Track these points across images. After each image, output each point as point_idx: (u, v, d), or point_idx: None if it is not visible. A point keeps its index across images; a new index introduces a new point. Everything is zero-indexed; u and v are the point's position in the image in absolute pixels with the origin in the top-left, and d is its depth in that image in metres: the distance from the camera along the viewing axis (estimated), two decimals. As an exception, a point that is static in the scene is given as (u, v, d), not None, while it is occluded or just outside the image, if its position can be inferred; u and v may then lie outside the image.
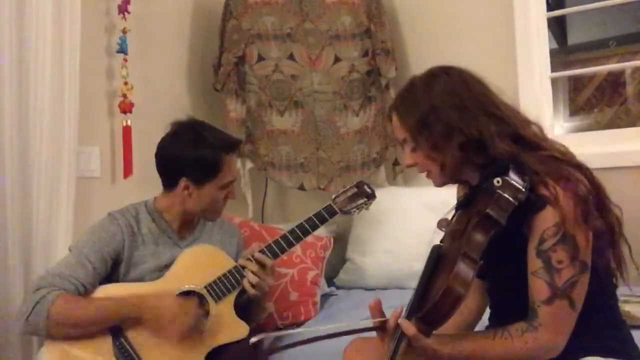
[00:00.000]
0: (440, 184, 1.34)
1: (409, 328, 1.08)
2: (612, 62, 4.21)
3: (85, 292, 1.63)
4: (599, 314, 1.21)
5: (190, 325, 1.61)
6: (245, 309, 1.81)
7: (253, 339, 1.19)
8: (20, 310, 1.59)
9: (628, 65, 3.97)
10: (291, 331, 1.20)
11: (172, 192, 1.79)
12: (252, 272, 1.69)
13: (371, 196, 1.82)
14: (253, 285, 1.69)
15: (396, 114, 1.33)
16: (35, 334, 1.63)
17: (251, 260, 1.70)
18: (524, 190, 1.12)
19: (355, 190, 1.81)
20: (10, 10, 1.85)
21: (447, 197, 2.37)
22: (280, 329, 2.02)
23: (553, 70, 2.53)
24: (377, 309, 1.23)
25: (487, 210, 1.10)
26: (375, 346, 1.39)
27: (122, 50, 2.27)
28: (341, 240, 2.59)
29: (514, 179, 1.12)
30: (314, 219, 1.76)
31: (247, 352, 1.68)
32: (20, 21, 1.88)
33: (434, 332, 1.11)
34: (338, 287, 2.46)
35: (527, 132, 1.26)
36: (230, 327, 1.68)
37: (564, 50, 4.40)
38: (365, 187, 1.82)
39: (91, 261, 1.65)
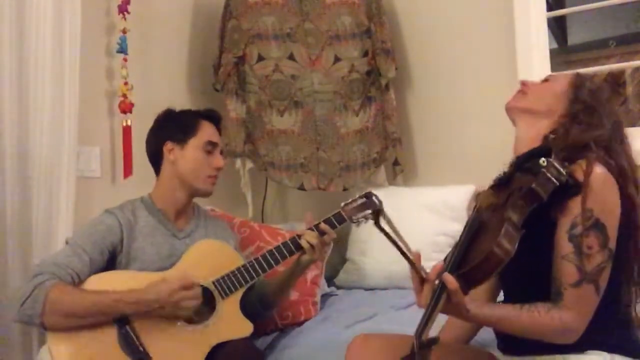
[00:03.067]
0: (519, 105, 1.40)
1: (452, 282, 1.12)
2: (612, 62, 4.22)
3: (80, 282, 1.64)
4: (608, 309, 1.23)
5: (191, 308, 1.61)
6: (256, 306, 1.83)
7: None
8: (16, 295, 1.60)
9: (628, 65, 3.97)
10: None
11: (161, 174, 1.85)
12: (312, 238, 1.72)
13: (378, 208, 1.80)
14: (312, 247, 1.72)
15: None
16: (29, 321, 1.60)
17: (313, 230, 1.74)
18: (565, 174, 1.17)
19: (364, 200, 1.80)
20: (10, 10, 1.86)
21: (447, 198, 2.40)
22: (280, 329, 2.02)
23: (553, 70, 2.53)
24: (419, 262, 1.26)
25: (533, 186, 1.16)
26: (380, 342, 1.40)
27: (122, 50, 2.27)
28: (341, 240, 2.59)
29: (557, 161, 1.18)
30: (323, 223, 1.75)
31: (246, 350, 1.68)
32: (20, 21, 1.89)
33: None
34: (338, 287, 2.46)
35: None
36: (235, 325, 1.68)
37: (564, 50, 4.41)
38: (374, 197, 1.80)
39: (87, 252, 1.66)
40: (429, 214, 2.39)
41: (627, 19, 4.08)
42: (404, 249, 1.25)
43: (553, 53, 2.60)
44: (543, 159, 1.18)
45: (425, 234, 2.36)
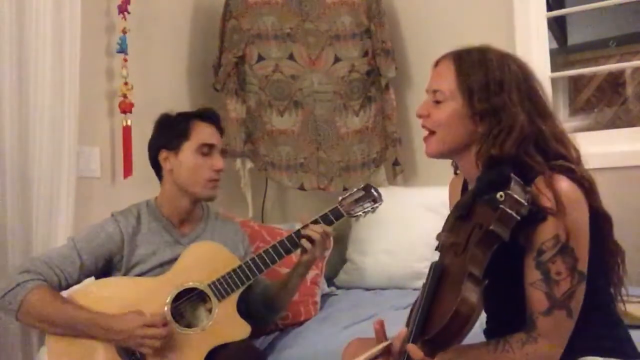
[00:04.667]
0: (434, 151, 1.30)
1: (416, 354, 1.07)
2: (612, 62, 4.22)
3: (67, 285, 1.66)
4: (596, 313, 1.21)
5: (155, 347, 1.55)
6: (261, 310, 1.83)
7: None
8: (2, 284, 1.62)
9: (628, 65, 3.97)
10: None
11: (162, 182, 1.83)
12: (307, 239, 1.70)
13: (378, 199, 1.79)
14: (312, 243, 1.70)
15: (456, 63, 1.28)
16: (5, 313, 1.65)
17: (309, 226, 1.72)
18: (526, 204, 1.10)
19: (362, 193, 1.79)
20: (10, 10, 1.86)
21: (446, 198, 2.38)
22: (281, 329, 2.02)
23: (553, 70, 2.53)
24: (381, 331, 1.23)
25: (491, 227, 1.09)
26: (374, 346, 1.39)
27: (122, 50, 2.27)
28: (341, 240, 2.59)
29: (517, 191, 1.10)
30: (320, 221, 1.74)
31: (247, 351, 1.68)
32: (20, 21, 1.88)
33: None
34: (338, 287, 2.46)
35: (561, 145, 1.25)
36: (233, 327, 1.68)
37: (564, 50, 4.40)
38: (372, 190, 1.79)
39: (82, 258, 1.67)
40: (429, 214, 2.39)
41: (627, 19, 4.08)
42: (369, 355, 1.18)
43: (553, 53, 2.61)
44: (501, 192, 1.08)
45: (425, 234, 2.35)
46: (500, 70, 1.24)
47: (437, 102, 1.29)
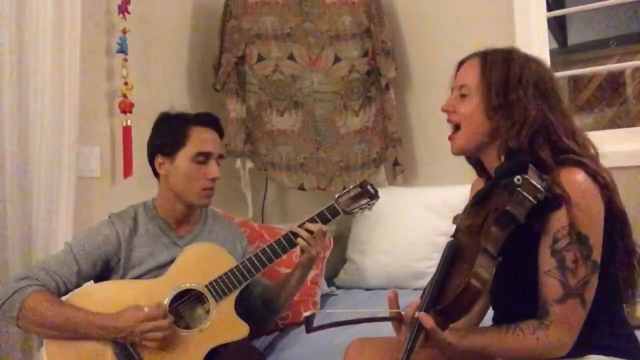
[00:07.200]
0: (460, 147, 1.34)
1: (428, 321, 1.10)
2: (612, 62, 4.22)
3: (66, 290, 1.65)
4: (603, 312, 1.22)
5: (158, 340, 1.56)
6: (260, 311, 1.82)
7: (306, 313, 1.21)
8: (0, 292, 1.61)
9: (628, 65, 3.98)
10: (333, 311, 1.24)
11: (159, 185, 1.82)
12: (304, 238, 1.70)
13: (374, 196, 1.78)
14: (308, 243, 1.70)
15: (481, 60, 1.33)
16: (6, 320, 1.64)
17: (304, 225, 1.72)
18: (542, 190, 1.13)
19: (358, 190, 1.77)
20: (10, 10, 1.86)
21: (447, 198, 2.40)
22: (281, 329, 2.02)
23: (553, 70, 2.52)
24: (395, 301, 1.26)
25: (507, 208, 1.11)
26: (377, 346, 1.40)
27: (122, 50, 2.27)
28: (341, 240, 2.59)
29: (534, 177, 1.14)
30: (316, 219, 1.74)
31: (246, 351, 1.68)
32: (20, 21, 1.89)
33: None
34: (338, 287, 2.46)
35: (574, 141, 1.27)
36: (231, 327, 1.67)
37: (564, 50, 4.41)
38: (369, 187, 1.78)
39: (78, 262, 1.67)
40: (429, 214, 2.39)
41: (627, 19, 4.08)
42: (369, 316, 1.21)
43: (553, 53, 2.61)
44: (518, 176, 1.12)
45: (425, 234, 2.36)
46: (521, 68, 1.29)
47: (463, 97, 1.32)
